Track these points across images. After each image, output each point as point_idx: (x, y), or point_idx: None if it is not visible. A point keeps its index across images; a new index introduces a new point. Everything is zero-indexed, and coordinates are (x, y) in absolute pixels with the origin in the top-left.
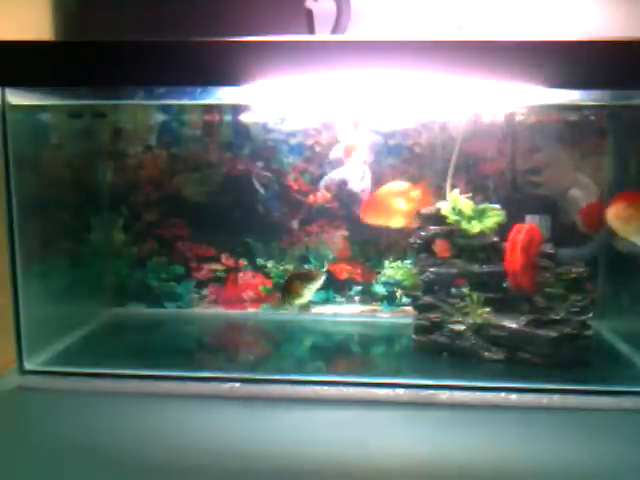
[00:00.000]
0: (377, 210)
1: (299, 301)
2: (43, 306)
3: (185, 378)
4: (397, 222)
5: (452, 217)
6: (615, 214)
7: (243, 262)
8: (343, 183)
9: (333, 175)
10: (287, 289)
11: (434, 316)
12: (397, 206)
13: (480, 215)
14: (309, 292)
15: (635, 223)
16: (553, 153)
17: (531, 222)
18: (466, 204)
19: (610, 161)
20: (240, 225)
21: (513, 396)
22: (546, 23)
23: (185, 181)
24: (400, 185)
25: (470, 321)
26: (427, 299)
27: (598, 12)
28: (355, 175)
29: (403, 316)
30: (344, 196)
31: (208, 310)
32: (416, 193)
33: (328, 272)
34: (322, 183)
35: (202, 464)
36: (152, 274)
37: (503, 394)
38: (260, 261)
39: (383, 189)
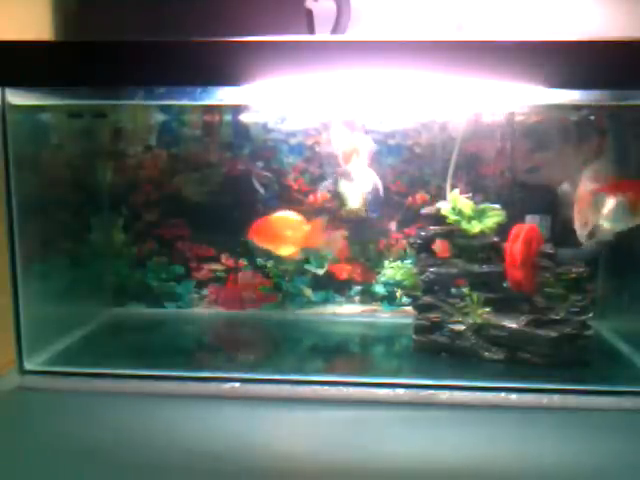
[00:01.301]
0: (267, 234)
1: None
2: (43, 306)
3: (185, 378)
4: (284, 251)
5: (452, 217)
6: None
7: (243, 262)
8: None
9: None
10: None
11: (434, 316)
12: (287, 235)
13: (480, 215)
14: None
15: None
16: (552, 151)
17: (531, 222)
18: (466, 204)
19: (609, 161)
20: (240, 225)
21: (513, 396)
22: (546, 23)
23: (185, 181)
24: (294, 216)
25: (470, 321)
26: (427, 299)
27: (598, 12)
28: (363, 180)
29: (403, 316)
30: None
31: (208, 310)
32: (307, 227)
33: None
34: (323, 187)
35: (202, 464)
36: (152, 274)
37: (503, 394)
38: (260, 261)
39: (277, 216)
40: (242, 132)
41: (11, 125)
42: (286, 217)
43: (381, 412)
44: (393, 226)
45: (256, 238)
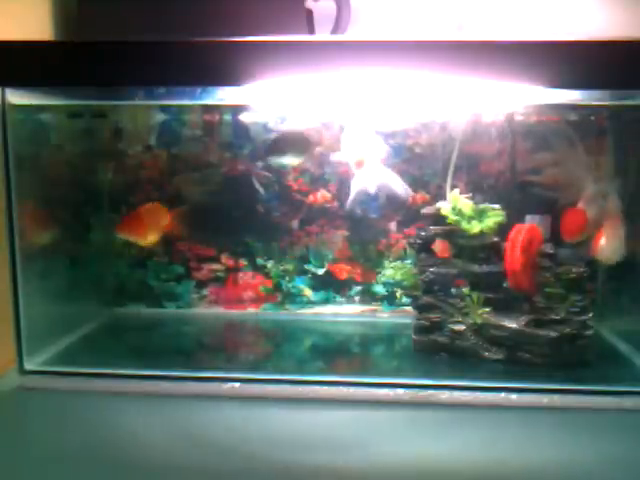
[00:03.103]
0: (137, 226)
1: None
2: (43, 306)
3: (185, 378)
4: (148, 241)
5: (452, 217)
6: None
7: (243, 262)
8: (383, 191)
9: (363, 187)
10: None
11: (434, 316)
12: (153, 226)
13: (480, 215)
14: None
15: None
16: (553, 151)
17: (531, 222)
18: (466, 204)
19: (610, 161)
20: (240, 225)
21: (513, 396)
22: (546, 23)
23: (185, 181)
24: (158, 208)
25: (470, 321)
26: (427, 299)
27: (598, 12)
28: (395, 181)
29: (403, 316)
30: (387, 205)
31: (208, 310)
32: (166, 220)
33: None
34: (352, 200)
35: (202, 464)
36: (152, 274)
37: (503, 394)
38: (260, 261)
39: (146, 207)
40: (242, 132)
41: (11, 125)
42: (153, 208)
43: (381, 412)
44: (393, 226)
45: (126, 232)
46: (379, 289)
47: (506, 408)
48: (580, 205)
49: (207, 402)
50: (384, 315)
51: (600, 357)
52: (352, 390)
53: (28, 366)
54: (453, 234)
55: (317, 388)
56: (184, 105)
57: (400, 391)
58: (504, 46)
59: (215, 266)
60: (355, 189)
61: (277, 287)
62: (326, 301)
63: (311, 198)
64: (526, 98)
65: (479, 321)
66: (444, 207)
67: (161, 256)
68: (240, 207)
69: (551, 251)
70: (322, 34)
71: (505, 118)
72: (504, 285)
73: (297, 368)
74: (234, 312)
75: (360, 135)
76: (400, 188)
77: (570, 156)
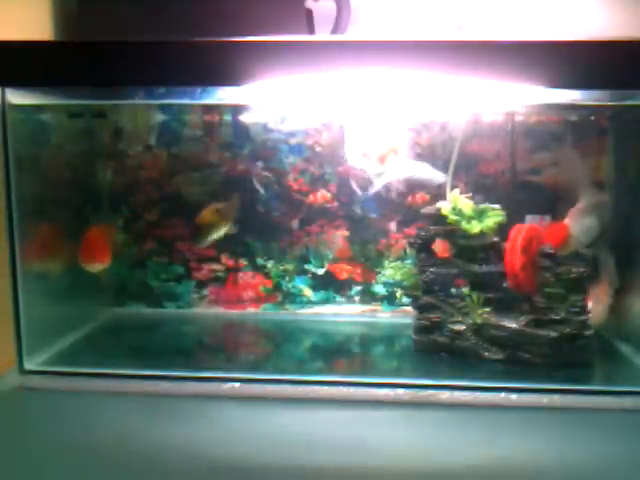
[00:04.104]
0: (101, 251)
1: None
2: (43, 306)
3: (185, 378)
4: (106, 264)
5: (452, 217)
6: None
7: (243, 262)
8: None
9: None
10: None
11: (434, 316)
12: (106, 248)
13: (480, 215)
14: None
15: None
16: (560, 153)
17: (531, 222)
18: (466, 204)
19: (610, 162)
20: (240, 225)
21: (513, 396)
22: (546, 23)
23: (185, 181)
24: (108, 228)
25: (470, 321)
26: (427, 299)
27: (598, 12)
28: (427, 170)
29: (403, 316)
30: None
31: (208, 310)
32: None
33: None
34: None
35: (201, 464)
36: (152, 274)
37: (503, 394)
38: (260, 261)
39: (99, 229)
40: (242, 132)
41: (11, 125)
42: (105, 230)
43: (381, 412)
44: (393, 226)
45: (88, 260)
46: (379, 289)
47: (506, 408)
48: (566, 220)
49: (207, 402)
50: (384, 315)
51: (600, 357)
52: (352, 390)
53: (28, 366)
54: (453, 234)
55: (317, 388)
56: (184, 105)
57: (400, 391)
58: (504, 46)
59: (215, 266)
60: (385, 179)
61: (277, 287)
62: (326, 301)
63: (311, 198)
64: (526, 98)
65: (479, 321)
66: (444, 207)
67: (161, 256)
68: (240, 207)
69: (551, 251)
70: (322, 34)
71: (505, 118)
72: (504, 285)
73: (297, 368)
74: (234, 312)
75: (378, 131)
76: (432, 174)
77: (564, 161)
